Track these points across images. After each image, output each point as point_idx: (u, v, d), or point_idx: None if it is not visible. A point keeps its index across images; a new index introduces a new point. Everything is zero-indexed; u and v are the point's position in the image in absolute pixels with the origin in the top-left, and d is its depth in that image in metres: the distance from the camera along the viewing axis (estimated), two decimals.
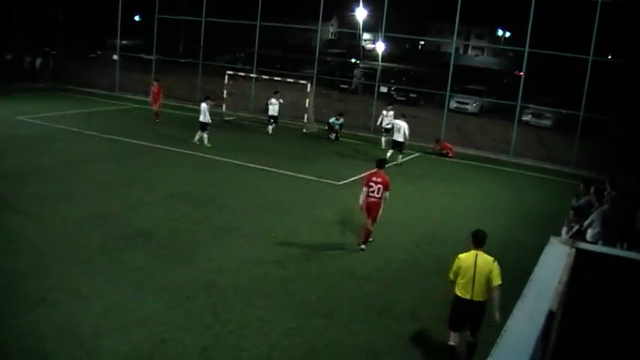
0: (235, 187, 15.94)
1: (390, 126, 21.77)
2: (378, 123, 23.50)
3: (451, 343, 7.90)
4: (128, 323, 8.18)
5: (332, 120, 24.23)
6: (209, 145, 19.85)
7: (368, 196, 11.71)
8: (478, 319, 7.67)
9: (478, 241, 7.73)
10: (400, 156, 20.32)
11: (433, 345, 8.60)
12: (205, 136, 20.10)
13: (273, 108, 23.82)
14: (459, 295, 7.64)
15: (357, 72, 39.91)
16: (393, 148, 20.44)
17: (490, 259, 7.59)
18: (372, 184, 11.68)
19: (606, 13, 22.19)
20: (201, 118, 20.05)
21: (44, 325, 7.96)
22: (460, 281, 7.63)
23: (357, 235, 12.81)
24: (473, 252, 7.67)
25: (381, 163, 12.25)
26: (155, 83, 24.02)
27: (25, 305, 8.42)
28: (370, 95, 28.17)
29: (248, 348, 7.89)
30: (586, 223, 10.59)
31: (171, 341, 7.84)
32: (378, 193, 11.65)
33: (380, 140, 23.49)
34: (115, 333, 7.90)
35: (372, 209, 11.78)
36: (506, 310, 2.18)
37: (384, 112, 22.84)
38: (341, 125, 24.35)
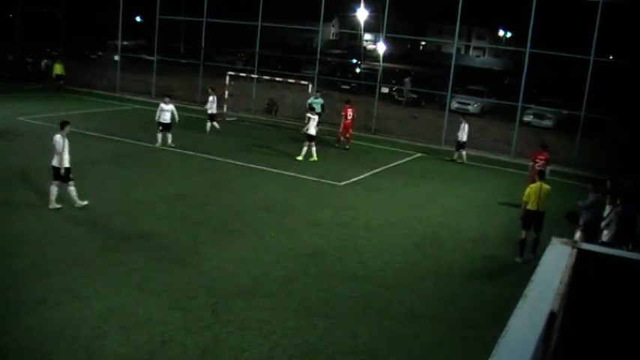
0: (235, 187, 15.93)
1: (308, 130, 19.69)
2: (304, 129, 20.20)
3: (522, 237, 12.17)
4: (128, 324, 8.16)
5: (310, 100, 23.30)
6: (157, 145, 19.46)
7: (534, 168, 15.71)
8: (540, 221, 12.08)
9: (541, 176, 12.46)
10: (464, 152, 21.91)
11: (433, 345, 8.58)
12: (166, 136, 19.62)
13: (211, 106, 22.71)
14: (530, 208, 12.03)
15: (407, 81, 35.75)
16: (457, 148, 22.17)
17: (548, 187, 12.18)
18: (537, 160, 16.14)
19: (607, 13, 22.16)
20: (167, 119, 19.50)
21: (44, 326, 7.94)
22: (530, 200, 11.99)
23: (356, 234, 12.83)
24: (538, 183, 12.16)
25: (543, 147, 16.88)
26: None
27: (24, 306, 8.40)
28: (371, 96, 28.13)
29: (248, 348, 7.87)
30: (603, 223, 10.68)
31: (171, 342, 7.82)
32: (542, 167, 15.46)
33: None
34: (115, 334, 7.88)
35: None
36: (507, 310, 2.16)
37: (309, 115, 20.30)
38: (322, 107, 23.13)
